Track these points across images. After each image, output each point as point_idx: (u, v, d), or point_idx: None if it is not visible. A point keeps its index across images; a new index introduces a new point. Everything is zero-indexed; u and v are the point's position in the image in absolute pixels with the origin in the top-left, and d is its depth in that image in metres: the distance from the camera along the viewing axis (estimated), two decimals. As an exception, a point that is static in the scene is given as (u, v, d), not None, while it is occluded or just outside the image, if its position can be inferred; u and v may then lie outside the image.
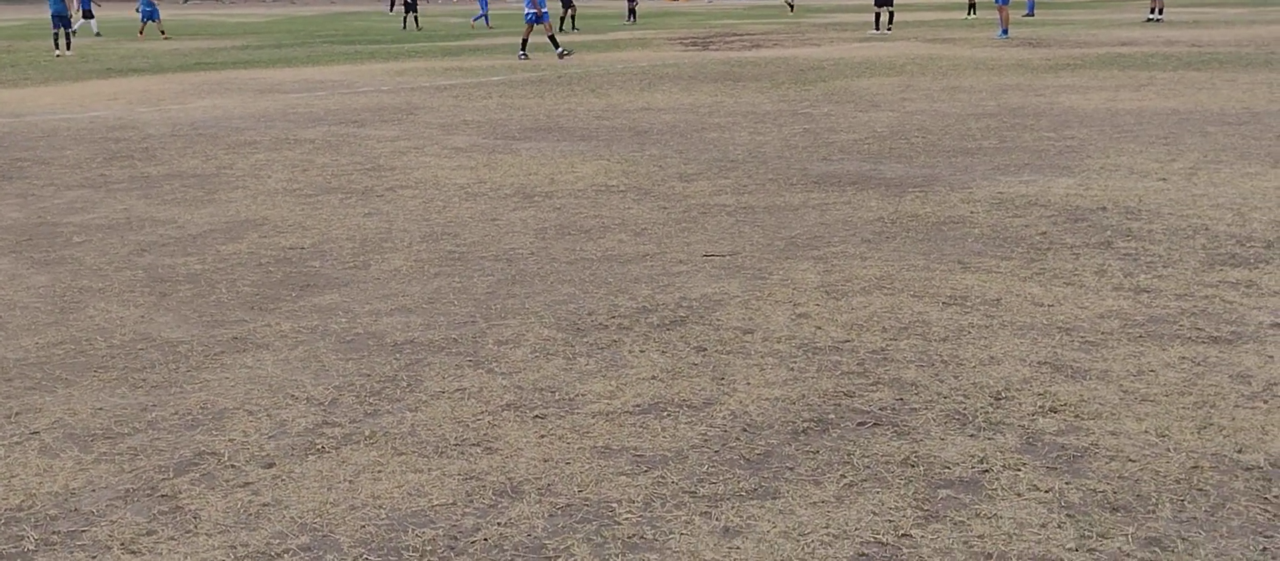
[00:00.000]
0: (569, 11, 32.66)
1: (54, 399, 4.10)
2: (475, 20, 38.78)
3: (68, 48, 21.54)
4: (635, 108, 12.72)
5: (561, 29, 31.52)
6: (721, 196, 7.58)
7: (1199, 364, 4.18)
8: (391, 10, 47.15)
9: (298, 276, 5.78)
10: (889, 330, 4.66)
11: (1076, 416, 3.71)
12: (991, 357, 4.30)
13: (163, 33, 32.95)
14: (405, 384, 4.18)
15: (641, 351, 4.48)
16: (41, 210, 7.53)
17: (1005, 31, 23.84)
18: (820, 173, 8.36)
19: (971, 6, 34.20)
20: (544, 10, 21.20)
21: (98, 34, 34.20)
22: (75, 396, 4.12)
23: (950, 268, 5.63)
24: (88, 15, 34.22)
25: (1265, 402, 3.79)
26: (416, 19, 36.99)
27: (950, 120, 11.05)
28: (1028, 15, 32.54)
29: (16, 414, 3.96)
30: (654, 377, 4.18)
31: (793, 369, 4.23)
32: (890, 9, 26.17)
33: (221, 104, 13.95)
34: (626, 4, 38.76)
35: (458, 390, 4.10)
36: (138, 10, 34.04)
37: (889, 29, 25.76)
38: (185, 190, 8.17)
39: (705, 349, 4.49)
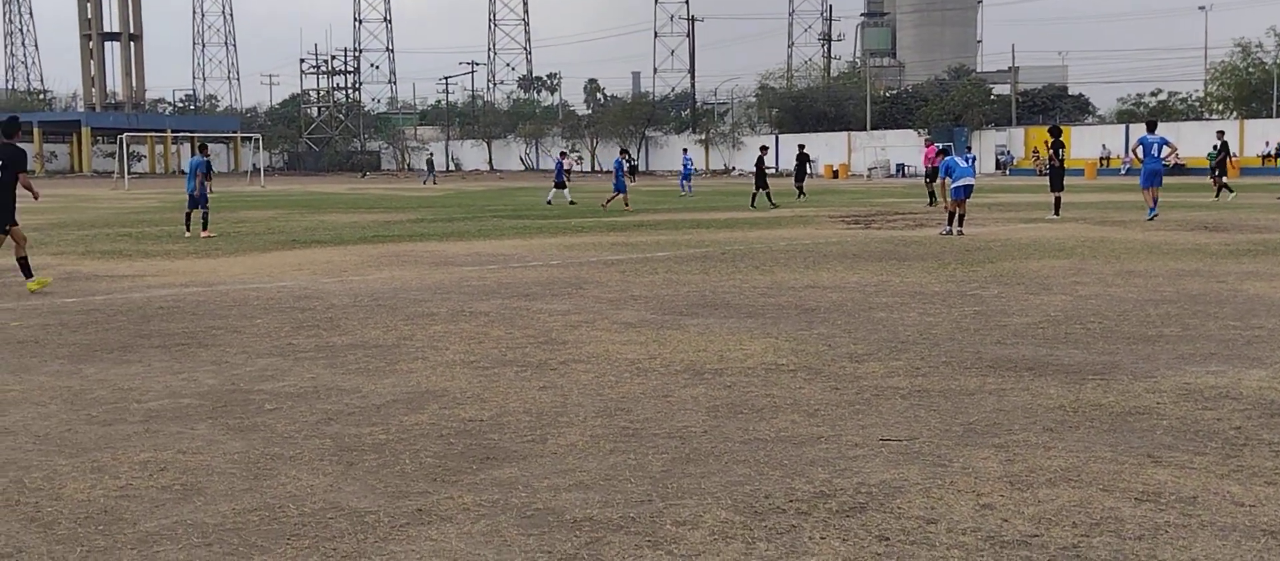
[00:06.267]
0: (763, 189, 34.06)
1: (250, 564, 4.24)
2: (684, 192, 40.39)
3: (204, 228, 21.43)
4: (801, 285, 12.77)
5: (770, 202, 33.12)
6: (894, 378, 7.50)
7: None
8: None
9: (477, 449, 5.90)
10: (1079, 526, 4.50)
11: (1292, 628, 3.51)
12: (1193, 560, 4.11)
13: (626, 204, 32.57)
14: (586, 563, 4.20)
15: (822, 538, 4.42)
16: (234, 377, 7.89)
17: (1153, 211, 23.26)
18: (994, 356, 8.22)
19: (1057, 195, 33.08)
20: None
21: (572, 203, 35.04)
22: (270, 562, 4.25)
23: (1140, 461, 5.43)
24: (561, 185, 36.17)
25: None
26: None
27: (1127, 306, 10.78)
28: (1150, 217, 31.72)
29: (216, 578, 4.10)
30: (837, 567, 4.11)
31: (980, 563, 4.12)
32: (1059, 193, 25.75)
33: (399, 275, 14.50)
34: (795, 184, 38.77)
35: (639, 571, 4.10)
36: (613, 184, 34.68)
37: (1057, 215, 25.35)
38: (368, 360, 8.47)
39: (888, 538, 4.41)
